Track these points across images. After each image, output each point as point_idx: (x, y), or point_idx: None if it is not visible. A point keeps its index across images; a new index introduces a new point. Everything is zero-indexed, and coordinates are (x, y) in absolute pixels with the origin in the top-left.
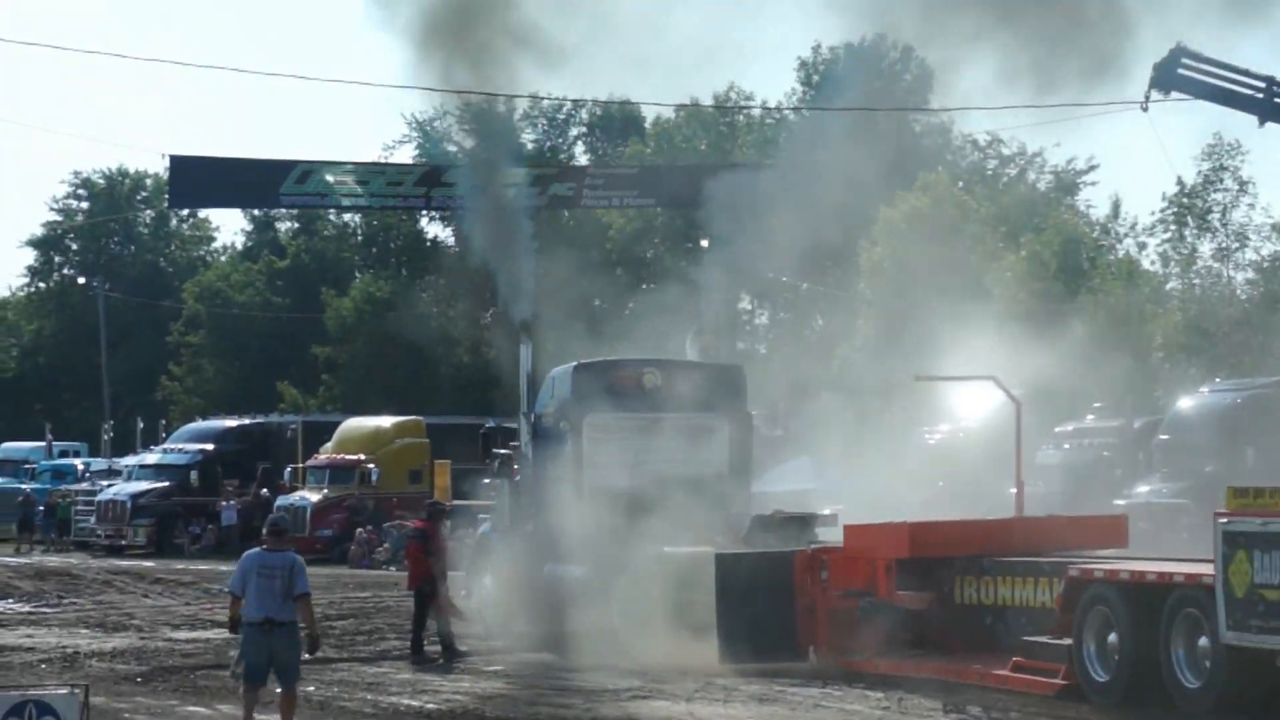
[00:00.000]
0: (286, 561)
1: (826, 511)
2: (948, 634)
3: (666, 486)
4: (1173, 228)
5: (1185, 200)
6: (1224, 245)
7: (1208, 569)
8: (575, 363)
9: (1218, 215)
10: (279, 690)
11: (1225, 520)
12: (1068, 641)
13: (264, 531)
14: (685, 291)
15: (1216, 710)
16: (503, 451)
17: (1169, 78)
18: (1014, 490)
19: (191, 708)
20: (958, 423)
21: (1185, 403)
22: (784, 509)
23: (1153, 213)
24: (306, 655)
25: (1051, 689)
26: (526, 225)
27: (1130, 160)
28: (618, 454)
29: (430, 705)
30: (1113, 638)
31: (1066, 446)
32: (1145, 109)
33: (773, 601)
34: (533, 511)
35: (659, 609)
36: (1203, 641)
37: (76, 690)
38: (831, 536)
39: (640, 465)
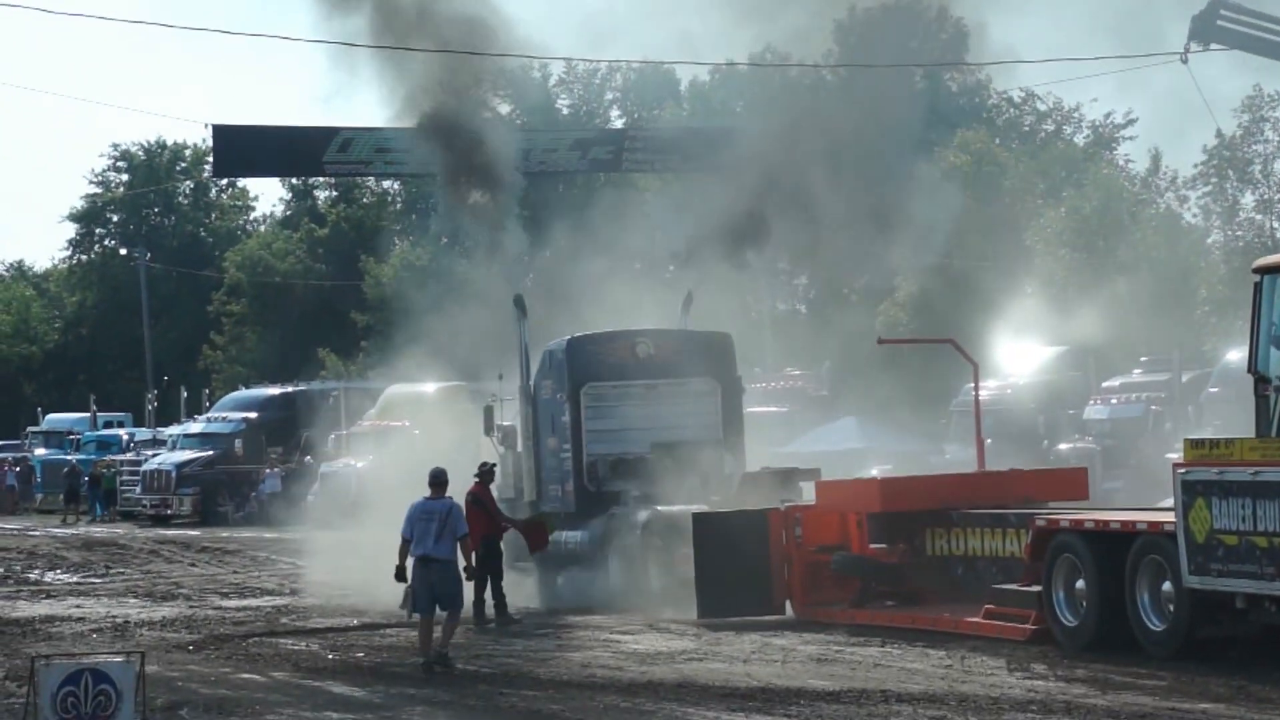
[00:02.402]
0: (445, 507)
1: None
2: (920, 585)
3: (661, 450)
4: (1214, 180)
5: (1226, 153)
6: (1266, 197)
7: (1169, 517)
8: (569, 336)
9: (1259, 167)
10: (443, 614)
11: (1184, 470)
12: (1037, 589)
13: (429, 483)
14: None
15: (1181, 651)
16: (506, 424)
17: (1208, 29)
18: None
19: (245, 675)
20: (1005, 379)
21: (1234, 355)
22: (770, 466)
23: (1194, 166)
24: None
25: (1023, 634)
26: (512, 201)
27: (1168, 114)
28: (614, 421)
29: (485, 669)
30: (1080, 584)
31: (1114, 401)
32: (1185, 61)
33: (749, 558)
34: (534, 480)
35: (654, 565)
36: (1166, 586)
37: (132, 659)
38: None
39: (636, 431)
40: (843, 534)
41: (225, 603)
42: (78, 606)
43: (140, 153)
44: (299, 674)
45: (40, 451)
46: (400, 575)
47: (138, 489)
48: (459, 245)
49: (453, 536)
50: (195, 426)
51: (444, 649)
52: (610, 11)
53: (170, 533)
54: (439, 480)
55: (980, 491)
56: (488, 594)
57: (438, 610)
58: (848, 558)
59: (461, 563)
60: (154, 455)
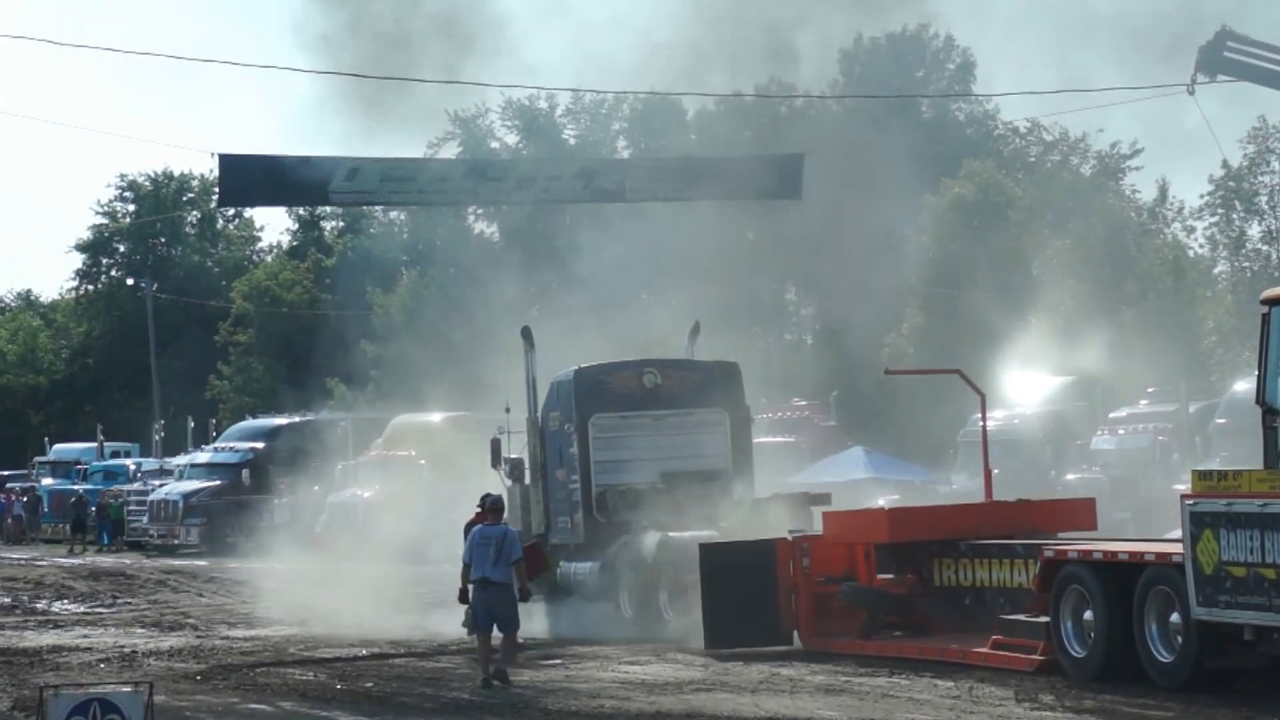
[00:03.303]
0: (499, 533)
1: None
2: (928, 615)
3: (670, 480)
4: (1220, 211)
5: (1231, 184)
6: (1272, 228)
7: (1177, 548)
8: (576, 367)
9: (1265, 198)
10: (501, 634)
11: (1192, 502)
12: (1045, 619)
13: (483, 509)
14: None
15: (1189, 682)
16: (513, 457)
17: (1215, 61)
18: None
19: (254, 705)
20: (1012, 409)
21: (1242, 385)
22: (780, 492)
23: (1200, 197)
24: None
25: (1030, 665)
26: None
27: (1175, 144)
28: (622, 452)
29: (492, 700)
30: (1088, 615)
31: (1121, 432)
32: (1191, 92)
33: (757, 588)
34: (543, 512)
35: (664, 595)
36: (1174, 617)
37: (140, 688)
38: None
39: (644, 461)
40: (850, 564)
41: (233, 632)
42: (85, 636)
43: (147, 183)
44: (307, 704)
45: (47, 481)
46: (464, 598)
47: (144, 519)
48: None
49: (508, 561)
50: (202, 456)
51: (503, 665)
52: (617, 44)
53: (177, 562)
54: (495, 506)
55: (988, 522)
56: None
57: (495, 629)
58: (855, 589)
59: (516, 584)
60: (161, 485)
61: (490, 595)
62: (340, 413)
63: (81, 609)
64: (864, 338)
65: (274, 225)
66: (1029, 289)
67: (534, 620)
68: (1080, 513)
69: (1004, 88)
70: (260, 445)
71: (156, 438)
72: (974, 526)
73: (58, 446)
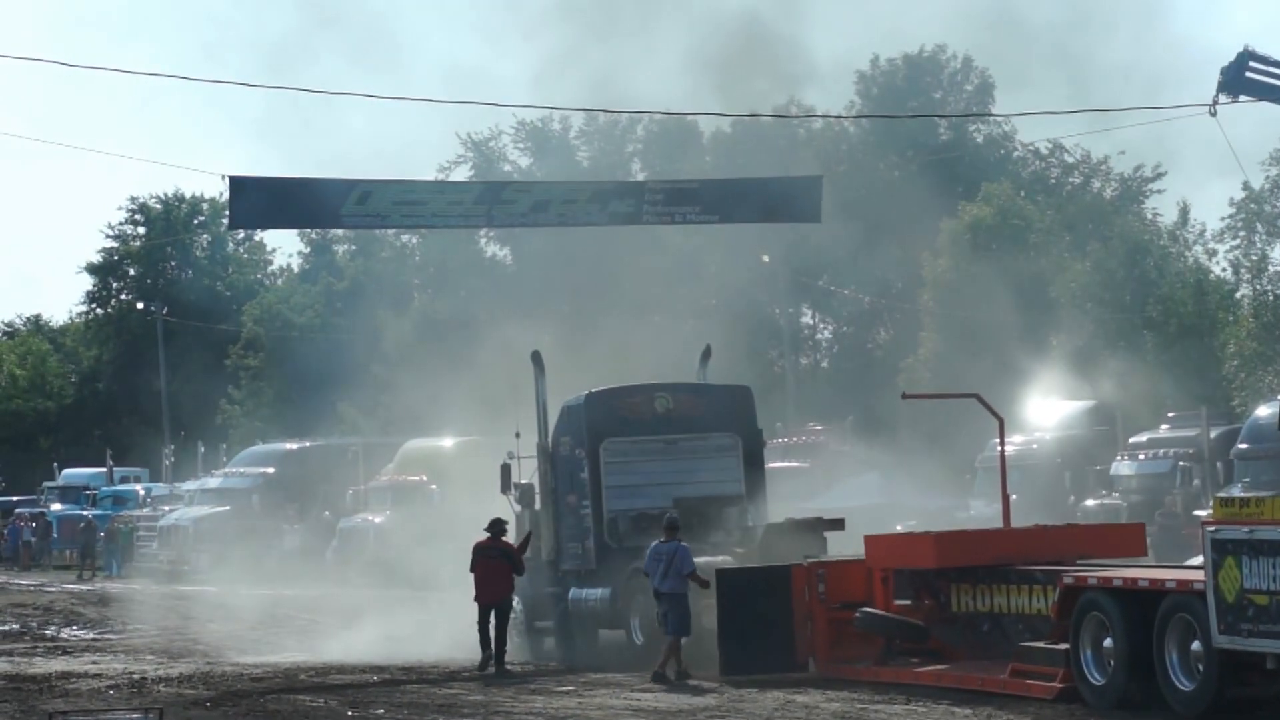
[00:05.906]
0: (672, 549)
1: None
2: (946, 642)
3: (683, 505)
4: (1242, 234)
5: (1253, 206)
6: None
7: (1198, 575)
8: (587, 392)
9: None
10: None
11: (1214, 529)
12: (1064, 647)
13: (663, 528)
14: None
15: (1209, 711)
16: (524, 482)
17: (1237, 81)
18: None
19: None
20: (1030, 434)
21: (1264, 410)
22: (794, 516)
23: (1221, 219)
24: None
25: (1049, 692)
26: None
27: (1196, 166)
28: (634, 477)
29: None
30: (1108, 642)
31: (1141, 457)
32: (1213, 113)
33: (771, 614)
34: (553, 538)
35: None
36: (1195, 645)
37: (150, 715)
38: (840, 540)
39: (656, 486)
40: (867, 590)
41: (242, 659)
42: (94, 663)
43: (158, 205)
44: None
45: (56, 507)
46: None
47: (154, 544)
48: (480, 299)
49: (678, 574)
50: (212, 482)
51: (663, 668)
52: (631, 65)
53: (187, 588)
54: (671, 525)
55: (1035, 547)
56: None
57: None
58: (872, 615)
59: (696, 585)
60: (171, 510)
61: (664, 604)
62: (351, 437)
63: (91, 635)
64: (881, 361)
65: (285, 248)
66: (1048, 312)
67: (545, 645)
68: (1129, 538)
69: (1023, 109)
70: (271, 470)
71: (166, 463)
72: (1021, 551)
73: (67, 471)
